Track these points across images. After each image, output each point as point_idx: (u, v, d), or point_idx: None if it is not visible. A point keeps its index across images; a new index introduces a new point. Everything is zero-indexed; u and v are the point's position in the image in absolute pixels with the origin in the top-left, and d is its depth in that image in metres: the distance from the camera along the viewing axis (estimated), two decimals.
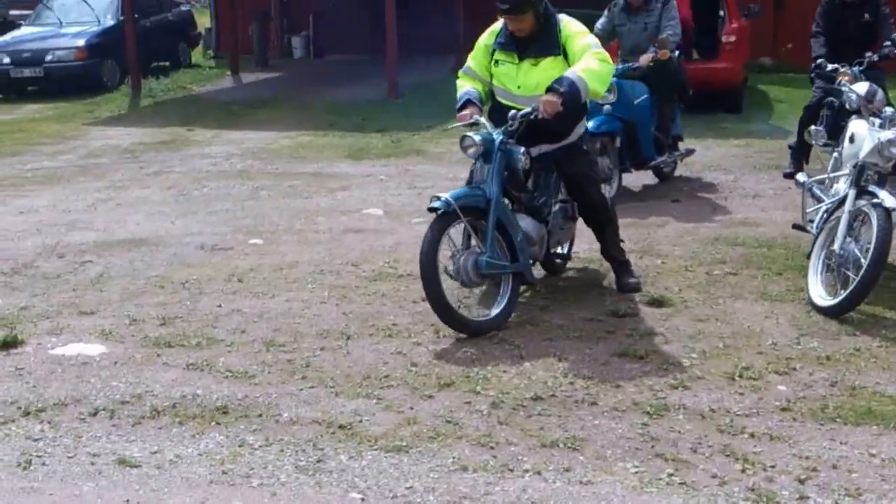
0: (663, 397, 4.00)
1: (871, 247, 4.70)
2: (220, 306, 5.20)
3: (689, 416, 3.83)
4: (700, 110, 9.95)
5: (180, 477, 3.43)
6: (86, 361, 4.46)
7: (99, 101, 14.27)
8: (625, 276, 5.26)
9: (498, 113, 5.10)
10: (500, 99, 5.12)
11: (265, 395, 4.08)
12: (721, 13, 11.61)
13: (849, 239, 4.91)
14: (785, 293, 5.23)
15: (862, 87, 5.55)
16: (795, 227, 5.73)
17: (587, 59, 4.75)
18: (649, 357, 4.40)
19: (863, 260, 4.75)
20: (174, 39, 17.53)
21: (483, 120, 4.88)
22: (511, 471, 3.44)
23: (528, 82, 4.93)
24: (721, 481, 3.34)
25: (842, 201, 5.04)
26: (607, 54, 4.90)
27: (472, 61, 5.14)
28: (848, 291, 4.75)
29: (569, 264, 5.68)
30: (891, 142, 4.97)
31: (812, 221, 5.40)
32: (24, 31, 16.36)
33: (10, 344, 4.64)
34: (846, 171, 5.20)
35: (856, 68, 6.40)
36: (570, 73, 4.70)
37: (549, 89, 4.68)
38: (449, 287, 4.65)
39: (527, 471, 3.43)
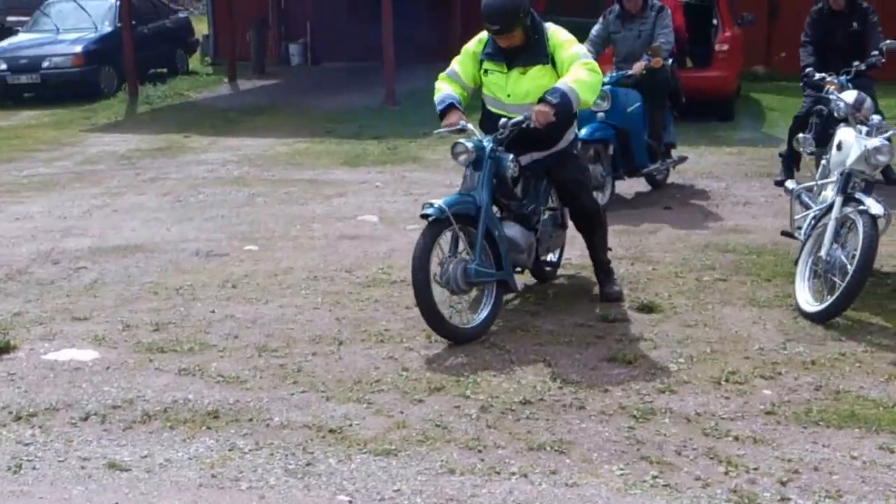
0: (650, 401, 4.04)
1: (857, 253, 4.75)
2: (213, 312, 5.25)
3: (675, 420, 3.87)
4: (693, 118, 10.01)
5: (170, 481, 3.47)
6: (78, 367, 4.50)
7: (96, 107, 14.33)
8: (608, 285, 5.32)
9: (488, 121, 5.14)
10: (490, 107, 5.16)
11: (256, 400, 4.11)
12: (714, 22, 11.69)
13: (835, 245, 4.96)
14: (773, 299, 5.28)
15: (850, 96, 5.61)
16: (784, 233, 5.79)
17: (577, 69, 4.79)
18: (637, 362, 4.45)
19: (849, 266, 4.79)
20: (171, 46, 17.59)
21: (470, 126, 4.91)
22: (498, 473, 3.48)
23: (517, 91, 4.98)
24: (704, 483, 3.38)
25: (829, 208, 5.09)
26: (596, 64, 4.95)
27: (457, 66, 5.14)
28: (834, 297, 4.80)
29: (560, 271, 5.73)
30: (877, 149, 5.02)
31: (800, 228, 5.45)
32: (22, 37, 16.41)
33: (2, 349, 4.68)
34: (834, 178, 5.25)
35: (843, 77, 6.46)
36: (561, 84, 4.74)
37: (542, 100, 4.72)
38: (441, 292, 4.68)
39: (513, 473, 3.47)
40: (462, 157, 4.80)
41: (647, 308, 5.14)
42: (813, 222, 5.22)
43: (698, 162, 8.99)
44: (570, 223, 5.49)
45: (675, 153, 8.24)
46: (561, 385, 4.20)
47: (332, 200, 8.03)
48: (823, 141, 5.93)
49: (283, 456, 3.63)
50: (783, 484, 3.36)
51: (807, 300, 4.98)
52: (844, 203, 5.01)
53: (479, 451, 3.63)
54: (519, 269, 5.19)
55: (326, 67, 17.93)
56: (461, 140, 4.80)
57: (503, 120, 4.87)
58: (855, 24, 7.20)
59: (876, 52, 6.87)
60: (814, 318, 4.88)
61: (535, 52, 4.92)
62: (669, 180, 8.28)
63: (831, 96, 5.77)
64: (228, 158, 10.15)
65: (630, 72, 7.34)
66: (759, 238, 6.52)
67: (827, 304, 4.84)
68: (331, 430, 3.82)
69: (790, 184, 5.84)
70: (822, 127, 6.24)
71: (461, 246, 4.76)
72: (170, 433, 3.83)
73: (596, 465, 3.53)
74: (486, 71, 5.06)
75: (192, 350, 4.69)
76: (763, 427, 3.80)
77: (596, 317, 5.05)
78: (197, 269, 6.09)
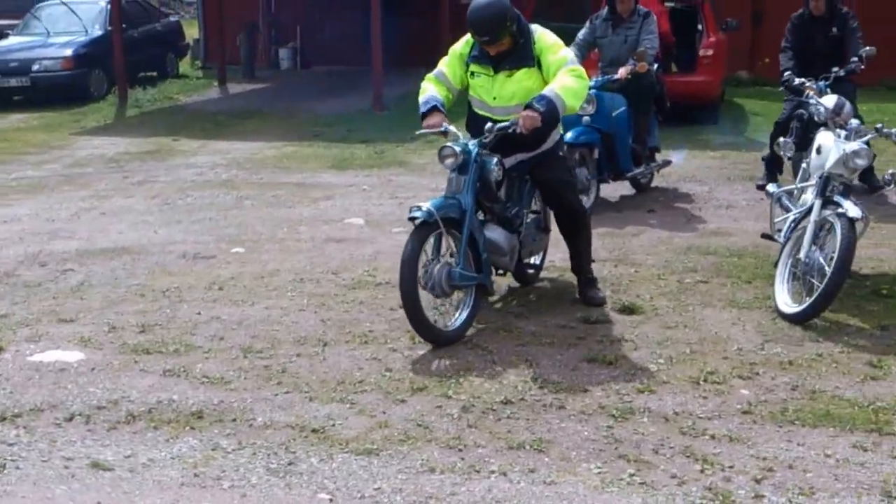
0: (629, 401, 4.09)
1: (835, 255, 4.82)
2: (199, 314, 5.28)
3: (653, 419, 3.92)
4: (677, 122, 10.09)
5: (152, 480, 3.50)
6: (63, 368, 4.53)
7: (85, 110, 14.34)
8: (590, 290, 5.37)
9: (474, 123, 5.19)
10: (476, 109, 5.21)
11: (240, 401, 4.15)
12: (699, 27, 11.78)
13: (814, 248, 5.03)
14: (753, 301, 5.34)
15: (830, 101, 5.68)
16: (764, 236, 5.85)
17: (563, 75, 4.83)
18: (618, 362, 4.50)
19: (827, 268, 4.86)
20: (162, 50, 17.61)
21: (453, 128, 4.95)
22: (477, 472, 3.52)
23: (503, 94, 5.03)
24: (680, 481, 3.44)
25: (808, 211, 5.16)
26: (582, 69, 4.98)
27: (444, 67, 5.17)
28: (812, 299, 4.86)
29: (543, 274, 5.77)
30: (856, 153, 5.09)
31: (780, 231, 5.52)
32: (12, 40, 16.39)
33: None
34: (813, 181, 5.32)
35: (821, 83, 6.53)
36: (548, 91, 4.78)
37: (529, 106, 4.77)
38: (425, 296, 4.70)
39: (493, 472, 3.52)
40: (449, 161, 4.83)
41: (628, 310, 5.20)
42: (792, 225, 5.29)
43: (682, 165, 9.06)
44: (554, 227, 5.54)
45: (659, 157, 8.32)
46: (542, 385, 4.25)
47: (319, 203, 8.08)
48: (804, 145, 6.01)
49: (266, 455, 3.66)
50: (758, 482, 3.42)
51: (786, 302, 5.04)
52: (823, 206, 5.08)
53: (460, 450, 3.68)
54: (501, 271, 5.24)
55: (316, 72, 17.99)
56: (449, 143, 4.83)
57: (489, 124, 4.90)
58: (835, 30, 7.27)
59: (855, 59, 6.95)
60: (792, 319, 4.94)
61: (521, 56, 4.96)
62: (653, 184, 8.36)
63: (811, 101, 5.84)
64: (217, 162, 10.19)
65: (616, 76, 7.40)
66: (740, 241, 6.59)
67: (805, 305, 4.90)
68: (313, 430, 3.86)
69: (771, 187, 5.91)
70: (803, 131, 6.33)
71: (444, 249, 4.80)
72: (153, 433, 3.86)
73: (574, 464, 3.58)
74: (472, 73, 5.09)
75: (178, 351, 4.73)
76: (739, 426, 3.85)
77: (578, 318, 5.10)
78: (184, 272, 6.12)
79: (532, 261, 5.61)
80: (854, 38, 7.18)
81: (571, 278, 5.57)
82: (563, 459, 3.61)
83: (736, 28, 12.11)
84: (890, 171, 5.20)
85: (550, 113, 4.74)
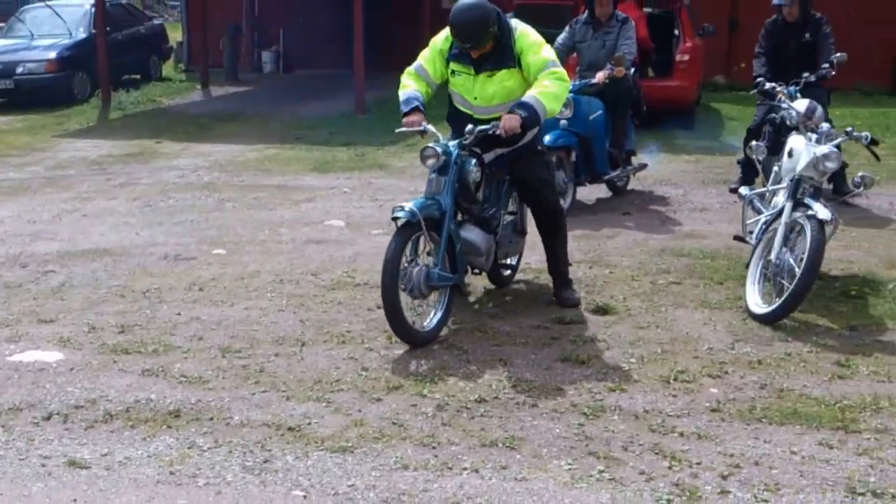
0: (601, 399, 4.16)
1: (805, 257, 4.90)
2: (179, 314, 5.32)
3: (624, 417, 4.00)
4: (653, 126, 10.20)
5: (128, 478, 3.54)
6: (42, 368, 4.56)
7: (69, 113, 14.33)
8: (565, 291, 5.43)
9: (454, 118, 5.24)
10: (457, 105, 5.25)
11: (218, 400, 4.20)
12: (676, 32, 11.90)
13: (785, 249, 5.11)
14: (724, 301, 5.43)
15: (802, 105, 5.79)
16: (736, 238, 5.94)
17: (545, 79, 4.88)
18: (590, 362, 4.57)
19: (797, 269, 4.95)
20: (146, 53, 17.61)
21: (431, 128, 5.00)
22: (450, 469, 3.58)
23: (484, 94, 5.08)
24: (648, 477, 3.51)
25: (779, 213, 5.24)
26: (564, 72, 5.03)
27: (424, 62, 5.16)
28: (782, 299, 4.95)
29: (519, 276, 5.84)
30: (826, 156, 5.18)
31: (752, 233, 5.61)
32: None
33: None
34: (785, 184, 5.41)
35: (792, 88, 6.63)
36: (529, 97, 4.84)
37: (510, 111, 4.83)
38: (403, 297, 4.74)
39: (465, 469, 3.58)
40: (431, 162, 4.86)
41: (602, 310, 5.28)
42: (764, 227, 5.37)
43: (657, 169, 9.16)
44: (531, 229, 5.61)
45: (635, 160, 8.41)
46: (515, 384, 4.32)
47: (301, 206, 8.13)
48: (776, 149, 6.09)
49: (242, 453, 3.71)
50: (724, 478, 3.49)
51: (756, 302, 5.13)
52: (794, 208, 5.17)
53: (434, 448, 3.74)
54: (477, 271, 5.30)
55: (298, 75, 18.05)
56: (431, 145, 4.87)
57: (469, 126, 4.95)
58: (808, 35, 7.37)
59: (826, 65, 7.06)
60: (762, 319, 5.02)
61: (502, 57, 5.00)
62: (629, 187, 8.46)
63: (783, 105, 5.94)
64: (199, 164, 10.21)
65: (593, 80, 7.49)
66: (713, 243, 6.69)
67: (775, 306, 4.99)
68: (289, 429, 3.91)
69: (743, 190, 6.00)
70: (775, 135, 6.41)
71: (420, 249, 4.85)
72: (130, 432, 3.90)
73: (545, 461, 3.64)
74: (453, 72, 5.12)
75: (157, 351, 4.77)
76: (708, 423, 3.93)
77: (552, 319, 5.17)
78: (164, 273, 6.16)
79: (508, 262, 5.68)
80: (826, 43, 7.28)
81: (547, 280, 5.64)
82: (534, 456, 3.67)
83: (712, 33, 12.25)
84: (860, 174, 5.29)
85: (531, 118, 4.82)
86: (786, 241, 5.14)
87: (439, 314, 4.89)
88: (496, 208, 5.27)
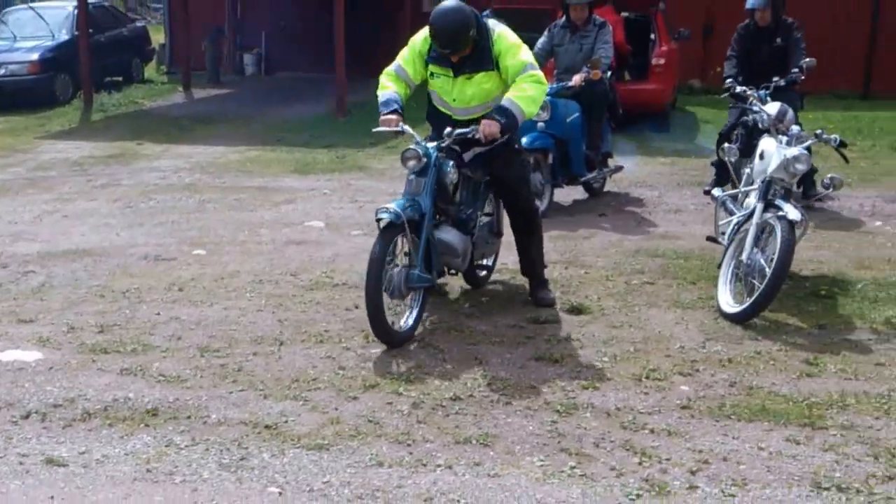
0: (573, 397, 4.23)
1: (775, 257, 4.99)
2: (158, 314, 5.35)
3: (596, 414, 4.07)
4: (630, 129, 10.31)
5: (105, 475, 3.58)
6: (21, 367, 4.59)
7: (51, 115, 14.30)
8: (541, 291, 5.50)
9: (434, 117, 5.31)
10: (436, 105, 5.32)
11: (195, 398, 4.24)
12: (652, 36, 12.02)
13: (756, 250, 5.20)
14: (696, 301, 5.52)
15: (773, 108, 5.89)
16: (709, 238, 6.04)
17: (522, 83, 4.95)
18: (564, 360, 4.64)
19: (767, 269, 5.03)
20: (128, 55, 17.58)
21: (409, 129, 5.05)
22: (424, 465, 3.64)
23: (462, 96, 5.15)
24: (619, 473, 3.57)
25: (751, 214, 5.33)
26: (541, 74, 5.09)
27: (404, 63, 5.20)
28: (753, 299, 5.04)
29: (496, 276, 5.91)
30: (796, 158, 5.28)
31: (724, 234, 5.70)
32: None
33: None
34: (756, 186, 5.50)
35: (762, 92, 6.72)
36: (507, 102, 4.92)
37: (488, 116, 4.90)
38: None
39: (439, 465, 3.63)
40: (412, 163, 4.92)
41: (576, 310, 5.35)
42: (736, 228, 5.46)
43: (633, 171, 9.26)
44: (507, 231, 5.67)
45: (611, 162, 8.51)
46: (490, 382, 4.38)
47: (281, 207, 8.17)
48: (748, 151, 6.19)
49: (218, 451, 3.75)
50: (693, 473, 3.56)
51: (728, 302, 5.22)
52: (765, 209, 5.26)
53: (408, 445, 3.79)
54: (453, 272, 5.36)
55: (280, 77, 18.07)
56: (412, 146, 4.93)
57: (448, 129, 5.02)
58: (779, 40, 7.48)
59: (796, 70, 7.16)
60: (733, 318, 5.11)
61: (480, 59, 5.06)
62: (606, 188, 8.55)
63: (755, 108, 6.03)
64: (180, 166, 10.23)
65: (570, 83, 7.58)
66: (687, 244, 6.79)
67: (746, 305, 5.08)
68: (266, 427, 3.95)
69: (716, 191, 6.10)
70: (748, 138, 6.51)
71: (398, 249, 4.91)
72: (108, 430, 3.94)
73: (518, 457, 3.70)
74: (432, 73, 5.18)
75: (136, 351, 4.80)
76: (678, 420, 4.01)
77: (527, 319, 5.24)
78: (144, 273, 6.19)
79: (484, 262, 5.74)
80: (797, 48, 7.39)
81: (523, 280, 5.71)
82: (507, 453, 3.73)
83: (687, 38, 12.39)
84: (829, 175, 5.39)
85: (510, 123, 4.92)
86: (757, 241, 5.23)
87: (415, 313, 4.94)
88: (473, 209, 5.33)
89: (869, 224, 7.50)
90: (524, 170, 5.63)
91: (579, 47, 7.90)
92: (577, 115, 7.64)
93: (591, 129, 7.86)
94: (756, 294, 5.03)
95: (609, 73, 7.94)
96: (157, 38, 20.20)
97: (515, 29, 5.28)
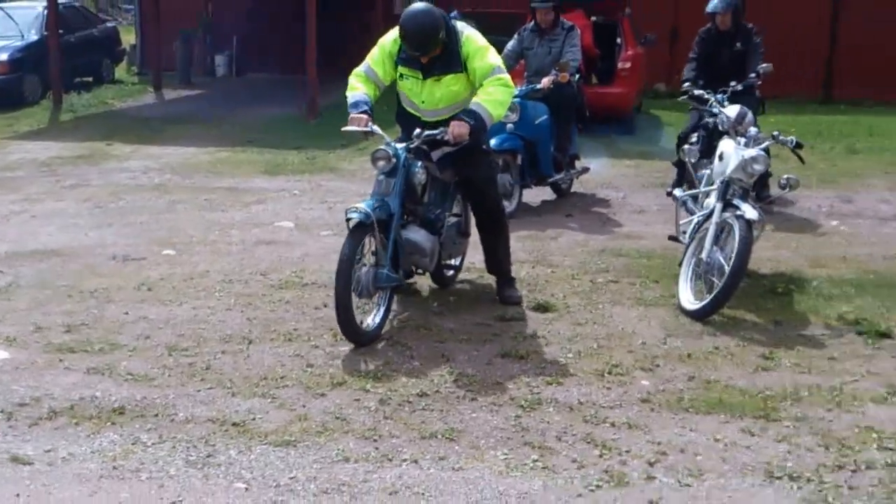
0: (538, 392, 4.32)
1: (734, 255, 5.11)
2: (126, 314, 5.37)
3: (559, 409, 4.16)
4: (596, 131, 10.45)
5: (71, 473, 3.61)
6: None
7: (19, 115, 14.16)
8: (507, 290, 5.58)
9: (403, 118, 5.37)
10: (405, 106, 5.39)
11: (163, 397, 4.27)
12: (618, 41, 12.17)
13: (715, 248, 5.33)
14: (658, 298, 5.64)
15: (733, 111, 6.01)
16: (671, 238, 6.16)
17: (490, 86, 5.03)
18: (529, 357, 4.73)
19: (726, 267, 5.16)
20: (98, 55, 17.45)
21: (378, 130, 5.11)
22: (390, 460, 3.71)
23: (430, 98, 5.22)
24: (580, 465, 3.67)
25: (710, 214, 5.46)
26: (508, 77, 5.18)
27: (373, 63, 5.25)
28: (712, 296, 5.16)
29: (464, 275, 5.98)
30: (754, 159, 5.41)
31: (685, 233, 5.82)
32: None
33: None
34: (716, 186, 5.62)
35: (720, 95, 6.85)
36: (475, 105, 5.00)
37: (457, 118, 4.98)
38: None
39: (405, 460, 3.71)
40: (381, 164, 4.97)
41: (542, 308, 5.45)
42: (696, 227, 5.58)
43: (599, 173, 9.36)
44: (473, 231, 5.75)
45: (578, 164, 8.62)
46: (457, 379, 4.46)
47: (251, 207, 8.20)
48: (709, 153, 6.32)
49: (185, 448, 3.79)
50: (651, 464, 3.67)
51: (688, 299, 5.33)
52: (724, 209, 5.38)
53: (375, 441, 3.86)
54: (421, 271, 5.43)
55: (251, 79, 18.05)
56: (382, 147, 4.98)
57: (417, 130, 5.09)
58: (739, 45, 7.62)
59: (753, 75, 7.31)
60: (693, 315, 5.23)
61: (449, 61, 5.13)
62: (573, 189, 8.67)
63: (714, 109, 6.16)
64: (150, 166, 10.21)
65: (539, 86, 7.68)
66: (650, 243, 6.92)
67: (705, 302, 5.20)
68: (234, 424, 4.00)
69: (677, 192, 6.23)
70: (708, 139, 6.64)
71: (366, 249, 4.96)
72: (74, 429, 3.96)
73: (482, 451, 3.78)
74: (401, 75, 5.24)
75: (103, 350, 4.82)
76: (638, 414, 4.11)
77: (494, 316, 5.33)
78: (113, 273, 6.20)
79: (452, 262, 5.81)
80: (756, 53, 7.52)
81: (490, 279, 5.79)
82: (472, 447, 3.81)
83: (653, 43, 12.56)
84: (785, 176, 5.53)
85: (478, 125, 5.00)
86: (716, 240, 5.35)
87: (382, 311, 5.01)
88: (441, 210, 5.39)
89: (826, 224, 7.67)
90: (492, 171, 5.72)
91: (548, 50, 8.01)
92: (545, 117, 7.75)
93: (559, 130, 7.97)
94: (715, 291, 5.15)
95: (577, 76, 8.06)
96: (128, 38, 20.06)
97: (485, 32, 5.37)
